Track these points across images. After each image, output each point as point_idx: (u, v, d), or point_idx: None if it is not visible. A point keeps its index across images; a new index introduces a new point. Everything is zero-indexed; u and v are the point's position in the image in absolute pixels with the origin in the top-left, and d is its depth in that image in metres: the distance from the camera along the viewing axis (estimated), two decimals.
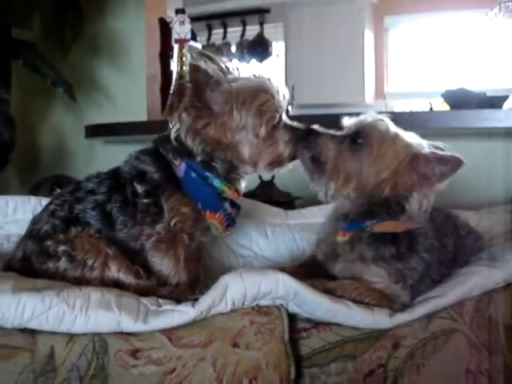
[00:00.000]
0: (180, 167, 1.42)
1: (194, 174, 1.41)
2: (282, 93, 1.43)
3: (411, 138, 1.39)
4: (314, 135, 1.44)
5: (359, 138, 1.38)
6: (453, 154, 1.34)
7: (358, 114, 1.48)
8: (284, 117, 1.44)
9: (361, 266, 1.39)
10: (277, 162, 1.44)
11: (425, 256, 1.40)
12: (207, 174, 1.42)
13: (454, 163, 1.32)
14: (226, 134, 1.38)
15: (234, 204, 1.47)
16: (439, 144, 1.38)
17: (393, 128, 1.40)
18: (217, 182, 1.42)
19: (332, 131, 1.45)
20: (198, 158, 1.41)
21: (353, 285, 1.35)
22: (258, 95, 1.38)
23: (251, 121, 1.37)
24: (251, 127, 1.38)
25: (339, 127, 1.47)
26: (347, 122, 1.46)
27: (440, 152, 1.35)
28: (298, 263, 1.60)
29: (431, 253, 1.42)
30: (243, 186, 1.50)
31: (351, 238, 1.41)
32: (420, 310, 1.32)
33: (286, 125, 1.44)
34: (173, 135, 1.41)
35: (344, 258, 1.43)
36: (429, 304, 1.33)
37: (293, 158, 1.44)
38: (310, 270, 1.51)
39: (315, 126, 1.45)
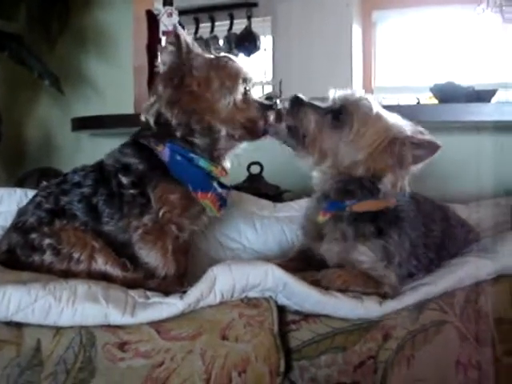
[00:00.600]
0: (164, 152, 1.41)
1: (179, 157, 1.41)
2: (247, 67, 1.48)
3: (394, 119, 1.40)
4: (297, 104, 1.44)
5: (342, 114, 1.39)
6: (430, 138, 1.35)
7: None
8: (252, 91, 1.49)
9: (344, 245, 1.40)
10: (250, 128, 1.46)
11: (410, 233, 1.42)
12: (192, 155, 1.42)
13: (431, 148, 1.34)
14: (206, 95, 1.41)
15: (222, 185, 1.48)
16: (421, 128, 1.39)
17: (376, 108, 1.40)
18: (203, 163, 1.43)
19: (317, 102, 1.45)
20: (178, 134, 1.41)
21: (336, 273, 1.36)
22: (231, 62, 1.45)
23: (228, 82, 1.42)
24: (228, 89, 1.42)
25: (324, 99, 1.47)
26: (332, 94, 1.46)
27: (418, 136, 1.36)
28: (289, 257, 1.59)
29: (416, 233, 1.44)
30: (228, 164, 1.51)
31: (333, 217, 1.42)
32: (410, 298, 1.32)
33: (254, 99, 1.49)
34: (152, 120, 1.42)
35: (328, 238, 1.44)
36: (419, 291, 1.33)
37: (265, 131, 1.48)
38: (301, 263, 1.50)
39: (300, 94, 1.45)
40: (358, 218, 1.40)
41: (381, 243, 1.38)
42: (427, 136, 1.36)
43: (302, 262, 1.51)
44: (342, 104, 1.41)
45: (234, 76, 1.43)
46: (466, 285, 1.38)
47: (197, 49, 1.44)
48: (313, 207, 1.52)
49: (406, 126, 1.39)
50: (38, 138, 3.51)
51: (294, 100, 1.44)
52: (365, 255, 1.37)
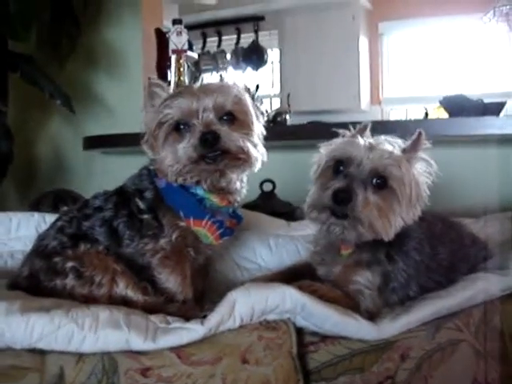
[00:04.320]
0: (161, 179, 1.41)
1: (175, 184, 1.39)
2: (211, 102, 1.33)
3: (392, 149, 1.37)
4: (344, 195, 1.30)
5: (382, 181, 1.32)
6: (416, 136, 1.36)
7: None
8: (203, 125, 1.32)
9: (350, 267, 1.40)
10: (177, 169, 1.35)
11: (415, 258, 1.41)
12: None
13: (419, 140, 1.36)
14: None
15: (233, 214, 1.47)
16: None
17: (404, 162, 1.34)
18: (199, 190, 1.40)
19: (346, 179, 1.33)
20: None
21: (313, 286, 1.36)
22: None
23: (150, 118, 1.41)
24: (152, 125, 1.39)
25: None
26: (350, 147, 1.38)
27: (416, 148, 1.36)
28: (278, 271, 1.61)
29: (421, 255, 1.43)
30: (238, 198, 1.46)
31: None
32: (424, 311, 1.32)
33: (199, 132, 1.31)
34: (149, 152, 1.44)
35: (336, 262, 1.44)
36: (434, 305, 1.34)
37: (195, 161, 1.33)
38: (289, 277, 1.48)
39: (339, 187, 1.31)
40: (374, 245, 1.38)
41: (384, 269, 1.38)
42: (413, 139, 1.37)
43: (291, 276, 1.49)
44: (380, 173, 1.32)
45: (156, 111, 1.40)
46: (479, 301, 1.38)
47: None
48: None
49: (396, 143, 1.38)
50: (49, 156, 3.54)
51: (341, 192, 1.30)
52: (362, 277, 1.37)
